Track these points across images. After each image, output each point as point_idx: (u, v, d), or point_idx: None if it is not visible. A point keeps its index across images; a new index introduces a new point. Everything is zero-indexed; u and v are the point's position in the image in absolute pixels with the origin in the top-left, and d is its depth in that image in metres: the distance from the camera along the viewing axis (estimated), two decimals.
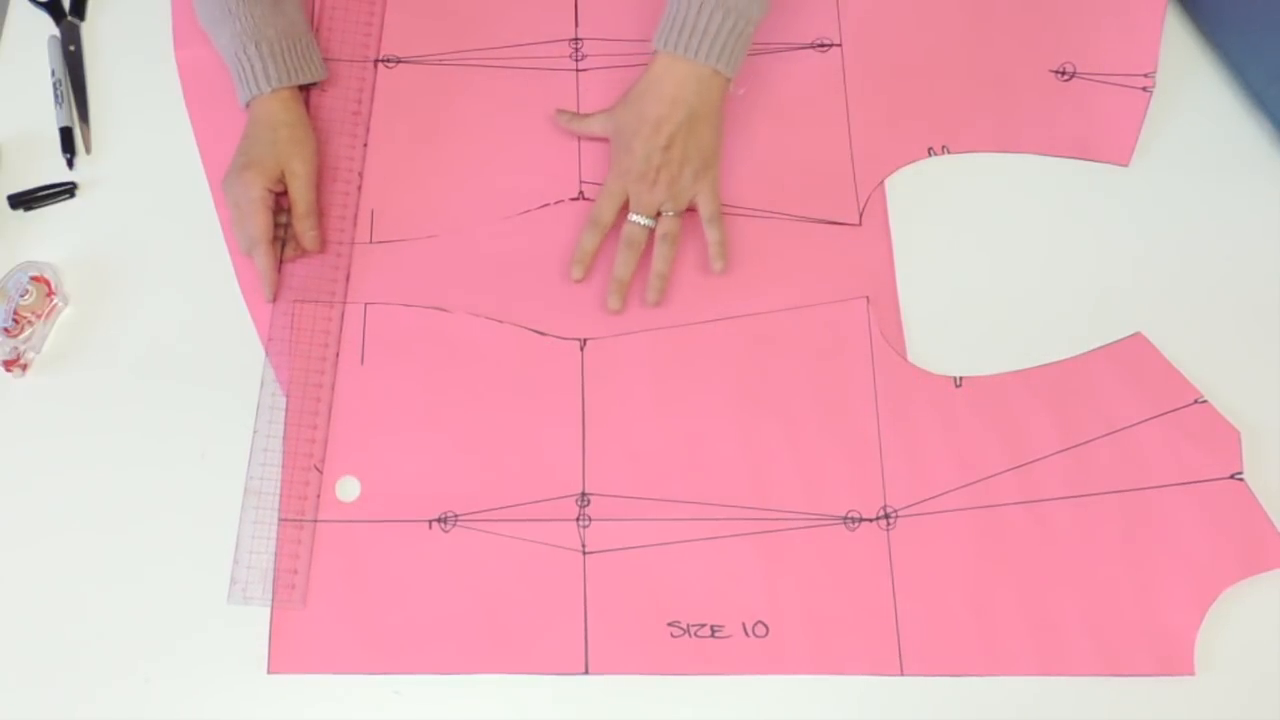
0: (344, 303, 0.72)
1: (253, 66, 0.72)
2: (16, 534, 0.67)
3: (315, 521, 0.67)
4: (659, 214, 0.72)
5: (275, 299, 0.71)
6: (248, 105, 0.73)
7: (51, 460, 0.68)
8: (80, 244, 0.74)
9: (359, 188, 0.75)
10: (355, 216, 0.74)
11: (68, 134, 0.76)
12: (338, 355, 0.71)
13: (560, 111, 0.76)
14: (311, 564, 0.66)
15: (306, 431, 0.68)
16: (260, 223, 0.70)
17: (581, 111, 0.77)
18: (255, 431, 0.68)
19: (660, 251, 0.71)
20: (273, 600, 0.65)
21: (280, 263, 0.72)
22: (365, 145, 0.76)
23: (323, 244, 0.72)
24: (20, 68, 0.79)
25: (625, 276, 0.71)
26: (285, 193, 0.72)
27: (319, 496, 0.67)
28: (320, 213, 0.73)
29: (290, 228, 0.72)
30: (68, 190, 0.75)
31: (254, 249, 0.71)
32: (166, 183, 0.76)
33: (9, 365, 0.70)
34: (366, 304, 0.72)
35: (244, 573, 0.65)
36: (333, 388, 0.70)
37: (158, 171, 0.76)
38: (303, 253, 0.72)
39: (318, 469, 0.68)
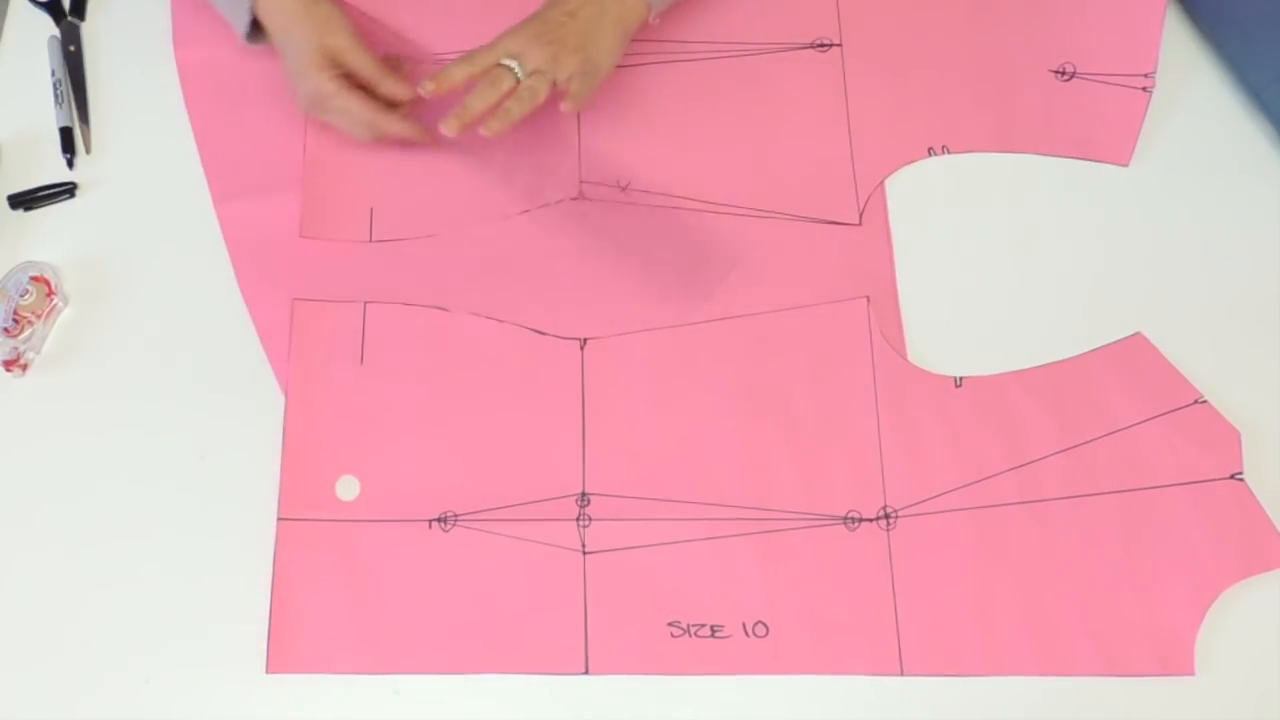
0: (344, 302, 0.72)
1: None
2: (16, 534, 0.67)
3: (315, 521, 0.67)
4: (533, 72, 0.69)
5: (452, 129, 0.68)
6: (249, 34, 0.71)
7: (51, 460, 0.68)
8: (80, 244, 0.74)
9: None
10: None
11: (68, 134, 0.76)
12: (338, 354, 0.71)
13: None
14: (311, 563, 0.66)
15: (306, 431, 0.68)
16: (355, 102, 0.69)
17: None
18: (255, 430, 0.68)
19: (518, 98, 0.68)
20: (273, 598, 0.65)
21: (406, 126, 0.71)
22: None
23: (413, 90, 0.71)
24: (20, 68, 0.79)
25: (475, 109, 0.68)
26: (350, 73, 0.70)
27: (319, 496, 0.67)
28: (396, 59, 0.72)
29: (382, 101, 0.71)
30: (68, 190, 0.75)
31: (372, 119, 0.70)
32: (166, 183, 0.75)
33: (9, 365, 0.70)
34: (366, 303, 0.72)
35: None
36: (333, 387, 0.70)
37: (158, 171, 0.76)
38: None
39: (318, 468, 0.68)
